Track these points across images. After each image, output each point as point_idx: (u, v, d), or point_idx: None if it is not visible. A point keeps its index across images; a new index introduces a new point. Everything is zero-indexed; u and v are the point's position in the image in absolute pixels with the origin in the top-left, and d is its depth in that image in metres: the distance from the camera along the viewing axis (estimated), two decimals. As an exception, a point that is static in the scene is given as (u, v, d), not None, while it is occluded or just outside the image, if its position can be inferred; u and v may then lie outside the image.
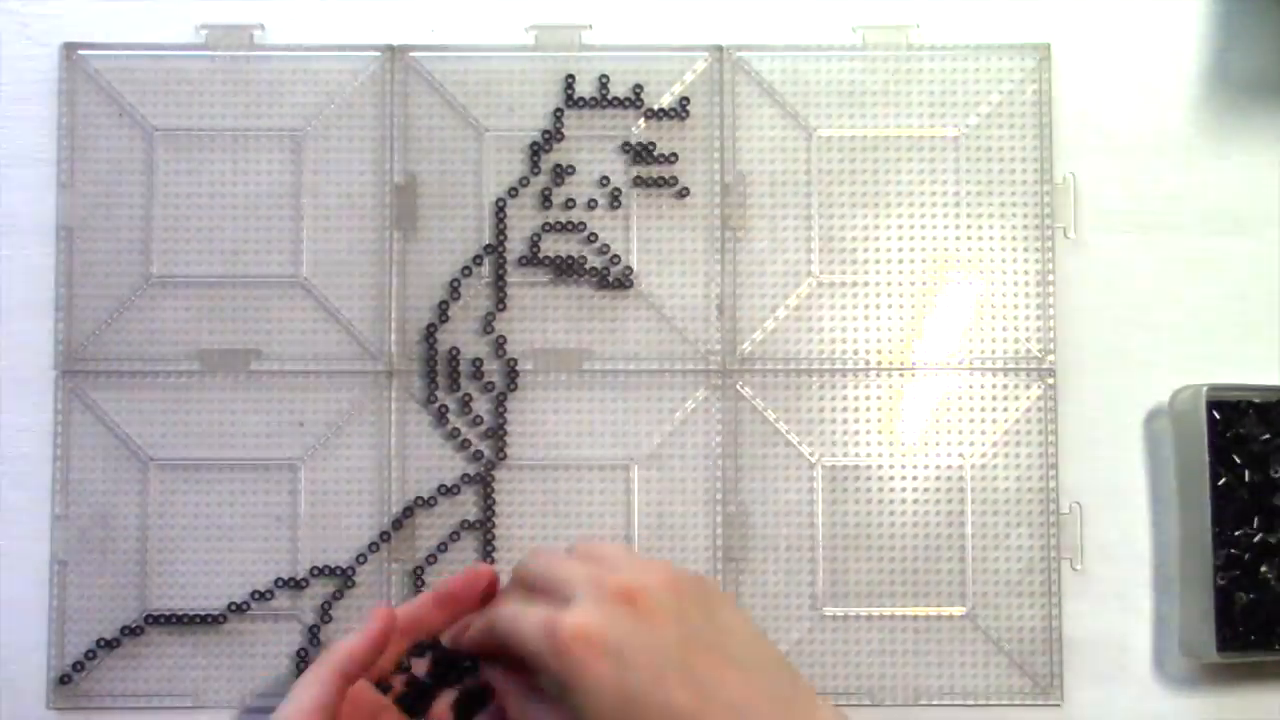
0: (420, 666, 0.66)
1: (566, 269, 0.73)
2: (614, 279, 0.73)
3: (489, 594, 0.65)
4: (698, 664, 0.57)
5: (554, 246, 0.73)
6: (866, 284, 0.73)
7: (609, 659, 0.56)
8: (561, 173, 0.73)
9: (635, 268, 0.73)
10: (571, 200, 0.73)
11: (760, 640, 0.59)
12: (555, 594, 0.59)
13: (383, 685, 0.65)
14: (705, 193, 0.73)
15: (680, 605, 0.58)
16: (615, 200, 0.73)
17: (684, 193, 0.73)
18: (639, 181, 0.73)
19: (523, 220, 0.73)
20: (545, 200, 0.73)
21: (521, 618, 0.58)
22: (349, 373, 0.73)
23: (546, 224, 0.73)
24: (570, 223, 0.73)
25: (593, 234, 0.73)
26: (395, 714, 0.65)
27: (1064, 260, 0.73)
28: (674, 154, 0.73)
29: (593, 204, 0.73)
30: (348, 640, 0.63)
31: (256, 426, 0.72)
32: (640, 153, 0.73)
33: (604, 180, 0.73)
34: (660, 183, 0.73)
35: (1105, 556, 0.72)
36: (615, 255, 0.73)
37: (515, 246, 0.73)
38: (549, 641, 0.56)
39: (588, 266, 0.73)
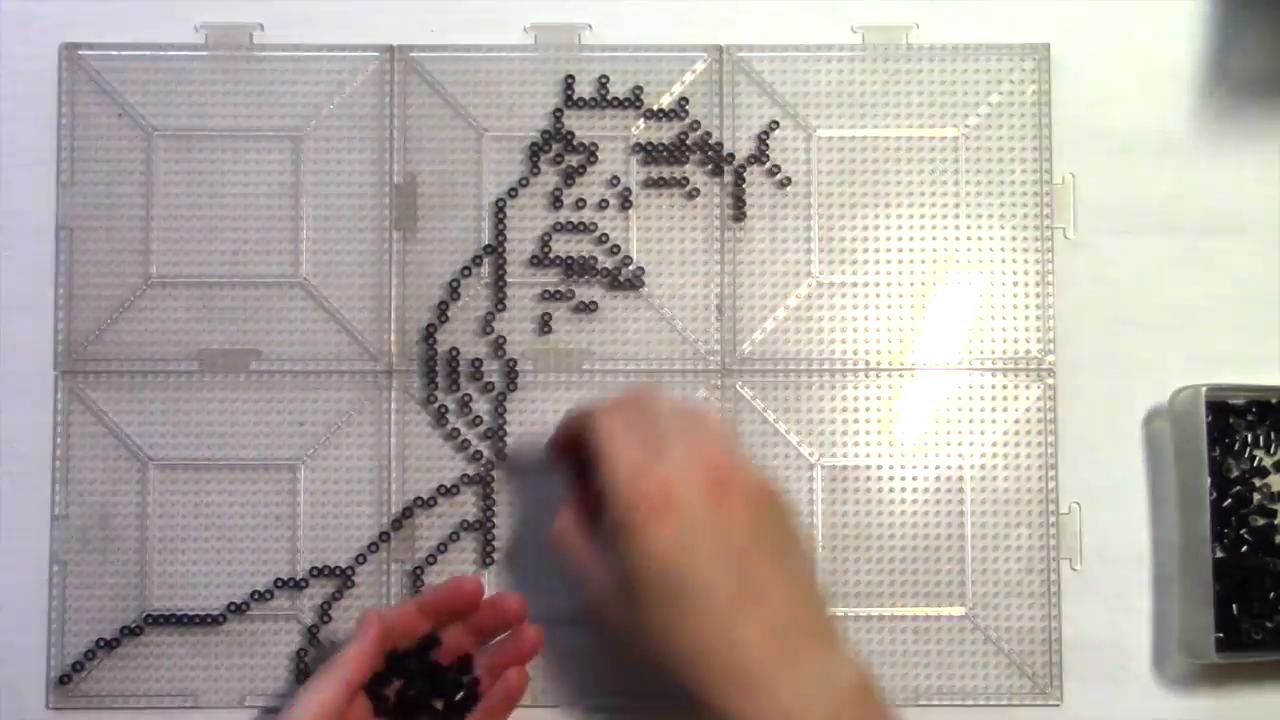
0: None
1: (578, 269, 0.73)
2: (625, 280, 0.73)
3: (472, 605, 0.67)
4: (752, 569, 0.59)
5: (562, 247, 0.73)
6: (866, 284, 0.73)
7: (677, 531, 0.58)
8: (572, 173, 0.73)
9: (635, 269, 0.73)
10: (582, 200, 0.73)
11: (811, 566, 0.63)
12: (655, 440, 0.60)
13: (370, 692, 0.66)
14: (705, 192, 0.73)
15: (760, 505, 0.60)
16: (626, 201, 0.73)
17: (694, 193, 0.73)
18: (648, 182, 0.73)
19: (522, 220, 0.73)
20: (556, 201, 0.73)
21: (618, 448, 0.60)
22: (349, 373, 0.73)
23: (558, 224, 0.73)
24: (577, 223, 0.73)
25: (604, 234, 0.73)
26: None
27: (1064, 260, 0.73)
28: (684, 154, 0.73)
29: (604, 204, 0.73)
30: (351, 649, 0.64)
31: (256, 426, 0.72)
32: (649, 153, 0.73)
33: (614, 180, 0.73)
34: (667, 183, 0.73)
35: (1105, 556, 0.72)
36: (627, 256, 0.73)
37: (515, 246, 0.73)
38: (631, 488, 0.59)
39: (599, 267, 0.73)
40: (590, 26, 0.74)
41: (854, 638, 0.71)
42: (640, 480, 0.59)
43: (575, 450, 0.65)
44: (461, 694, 0.67)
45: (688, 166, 0.73)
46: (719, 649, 0.58)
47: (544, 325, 0.73)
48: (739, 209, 0.73)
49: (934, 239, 0.73)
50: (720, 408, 0.72)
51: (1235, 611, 0.69)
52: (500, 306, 0.73)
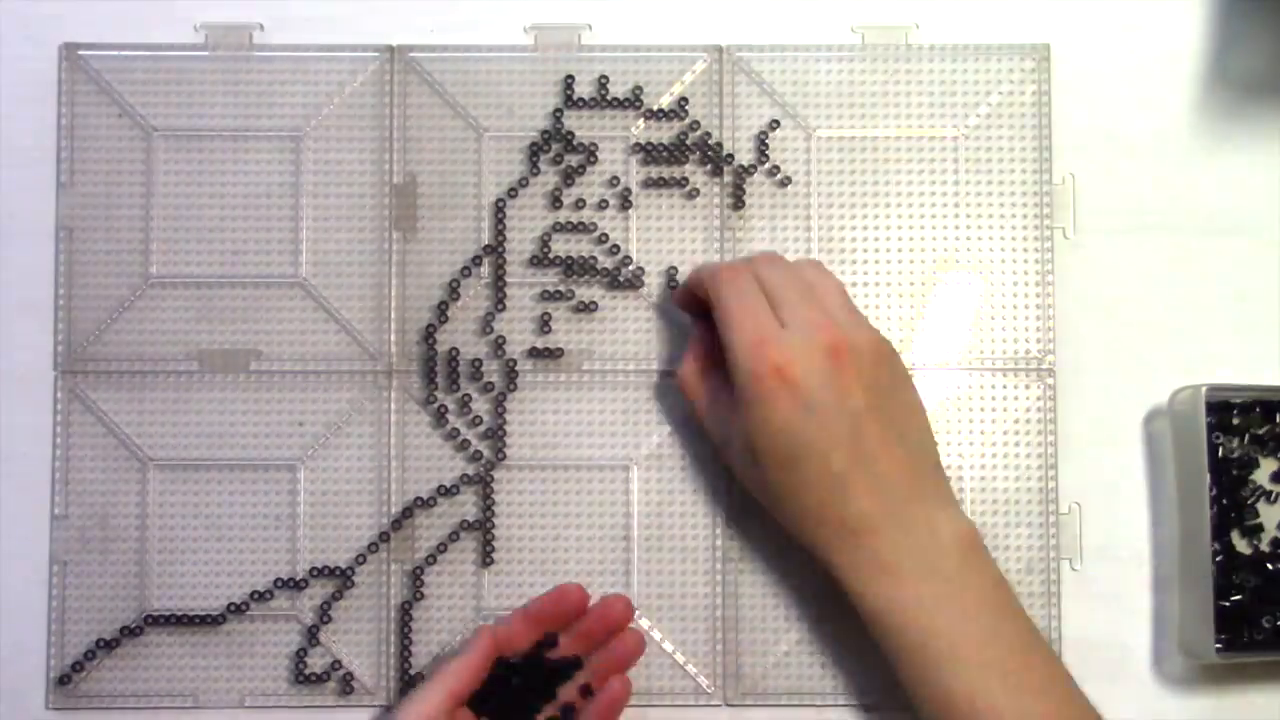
0: None
1: (578, 269, 0.73)
2: (625, 280, 0.73)
3: (579, 611, 0.68)
4: (867, 434, 0.63)
5: (562, 247, 0.73)
6: (866, 284, 0.73)
7: (796, 401, 0.63)
8: (572, 173, 0.73)
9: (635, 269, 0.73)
10: (582, 200, 0.73)
11: (927, 430, 0.66)
12: (775, 308, 0.65)
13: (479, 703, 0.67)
14: (705, 192, 0.73)
15: (875, 373, 0.64)
16: (626, 201, 0.73)
17: (694, 193, 0.73)
18: (648, 182, 0.73)
19: (522, 220, 0.73)
20: (556, 201, 0.73)
21: (741, 318, 0.64)
22: (348, 373, 0.73)
23: (558, 224, 0.73)
24: (577, 223, 0.73)
25: (604, 234, 0.73)
26: None
27: (1063, 260, 0.73)
28: (684, 154, 0.73)
29: (604, 204, 0.73)
30: (457, 661, 0.66)
31: (256, 427, 0.72)
32: (649, 153, 0.73)
33: (614, 180, 0.73)
34: (667, 183, 0.73)
35: (1104, 557, 0.72)
36: (627, 256, 0.73)
37: (515, 246, 0.73)
38: (753, 358, 0.63)
39: (599, 267, 0.73)
40: (590, 26, 0.74)
41: (853, 638, 0.71)
42: (762, 352, 0.63)
43: (699, 304, 0.68)
44: (565, 687, 0.68)
45: (687, 166, 0.73)
46: (831, 507, 0.64)
47: (544, 325, 0.73)
48: (739, 208, 0.73)
49: (934, 239, 0.73)
50: (720, 408, 0.72)
51: (1234, 612, 0.69)
52: (500, 306, 0.73)
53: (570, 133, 0.73)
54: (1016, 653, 0.63)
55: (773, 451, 0.64)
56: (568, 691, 0.68)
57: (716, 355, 0.67)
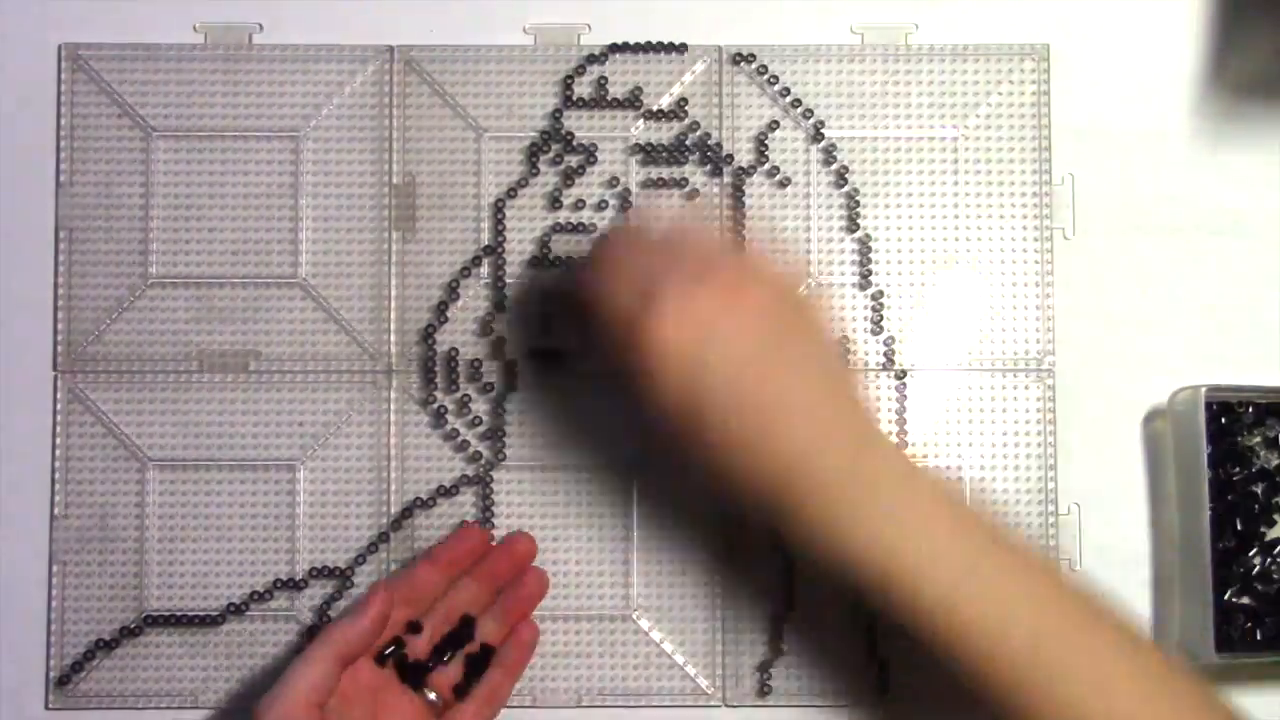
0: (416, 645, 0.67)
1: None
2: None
3: (480, 552, 0.69)
4: (774, 366, 0.59)
5: (561, 248, 0.73)
6: (866, 284, 0.73)
7: (688, 360, 0.58)
8: (571, 174, 0.73)
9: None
10: (581, 201, 0.73)
11: (838, 359, 0.62)
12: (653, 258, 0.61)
13: (381, 658, 0.66)
14: (705, 193, 0.73)
15: (778, 305, 0.61)
16: (625, 201, 0.73)
17: (694, 194, 0.73)
18: (648, 183, 0.73)
19: (521, 221, 0.73)
20: (555, 201, 0.73)
21: (612, 302, 0.60)
22: (347, 373, 0.73)
23: (557, 224, 0.73)
24: (576, 223, 0.73)
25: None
26: (397, 688, 0.66)
27: (1063, 261, 0.73)
28: (683, 155, 0.73)
29: (603, 205, 0.73)
30: (345, 623, 0.64)
31: (255, 427, 0.72)
32: (648, 153, 0.73)
33: (614, 181, 0.73)
34: (667, 184, 0.73)
35: (1104, 557, 0.72)
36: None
37: (514, 247, 0.73)
38: (632, 340, 0.59)
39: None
40: (590, 26, 0.74)
41: (855, 637, 0.71)
42: (640, 333, 0.59)
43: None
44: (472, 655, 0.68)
45: (687, 167, 0.73)
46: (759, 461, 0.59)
47: (544, 325, 0.73)
48: (739, 209, 0.73)
49: (934, 239, 0.73)
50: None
51: (1234, 612, 0.69)
52: (499, 307, 0.73)
53: (570, 133, 0.73)
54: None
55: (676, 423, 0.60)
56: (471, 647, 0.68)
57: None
